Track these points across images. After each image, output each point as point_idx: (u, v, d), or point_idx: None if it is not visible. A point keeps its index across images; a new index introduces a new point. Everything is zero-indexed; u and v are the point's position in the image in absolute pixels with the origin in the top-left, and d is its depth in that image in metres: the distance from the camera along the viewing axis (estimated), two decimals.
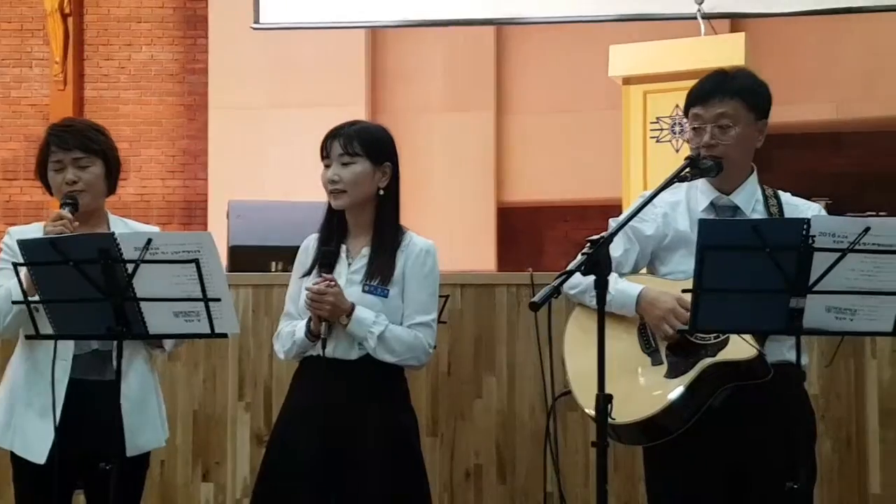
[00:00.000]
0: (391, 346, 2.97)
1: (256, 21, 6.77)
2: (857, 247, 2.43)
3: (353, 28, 8.22)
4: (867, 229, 2.43)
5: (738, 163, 2.98)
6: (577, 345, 2.93)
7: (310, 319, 3.01)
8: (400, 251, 3.05)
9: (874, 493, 4.23)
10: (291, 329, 3.08)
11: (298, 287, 3.10)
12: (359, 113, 9.60)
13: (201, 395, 4.50)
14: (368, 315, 2.97)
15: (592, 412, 2.63)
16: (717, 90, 2.95)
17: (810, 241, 2.43)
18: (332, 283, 2.96)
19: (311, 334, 3.00)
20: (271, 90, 9.91)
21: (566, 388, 2.95)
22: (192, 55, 10.59)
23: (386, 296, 3.01)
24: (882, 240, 2.44)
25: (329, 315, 2.95)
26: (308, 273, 3.08)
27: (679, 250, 2.99)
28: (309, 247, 3.14)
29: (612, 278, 2.88)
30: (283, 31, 7.62)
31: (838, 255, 2.43)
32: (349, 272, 3.04)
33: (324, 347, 2.96)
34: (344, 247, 3.08)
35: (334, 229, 3.10)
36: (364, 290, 3.01)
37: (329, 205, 3.09)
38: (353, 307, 2.97)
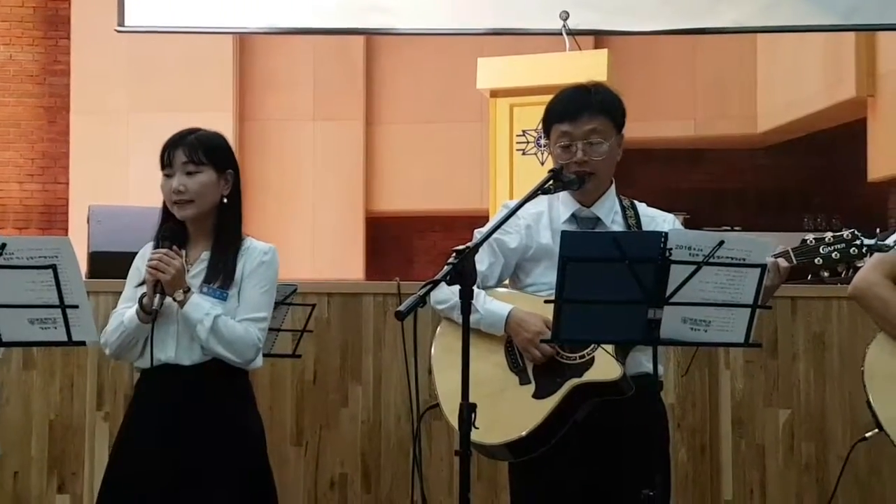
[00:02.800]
0: (222, 335, 2.93)
1: (121, 23, 6.58)
2: (711, 260, 2.51)
3: (221, 33, 8.11)
4: (721, 243, 2.52)
5: (604, 177, 3.04)
6: (445, 364, 2.94)
7: (141, 298, 2.95)
8: (240, 256, 3.03)
9: (727, 499, 4.36)
10: (122, 311, 3.02)
11: (133, 294, 3.04)
12: (226, 119, 9.50)
13: (58, 405, 4.38)
14: (205, 301, 2.95)
15: None
16: (584, 107, 2.98)
17: (668, 254, 2.50)
18: (180, 254, 2.95)
19: (143, 311, 2.94)
20: (136, 94, 9.71)
21: (434, 402, 2.96)
22: (53, 56, 10.31)
23: (224, 298, 2.98)
24: (735, 253, 2.53)
25: (169, 281, 2.91)
26: (144, 283, 3.01)
27: (542, 262, 3.03)
28: (146, 254, 3.07)
29: (481, 296, 2.92)
30: (149, 34, 7.44)
31: (694, 267, 2.51)
32: (188, 277, 3.00)
33: (154, 320, 2.91)
34: (183, 252, 3.03)
35: (173, 236, 3.05)
36: (202, 292, 2.98)
37: (164, 211, 3.07)
38: (190, 291, 2.95)
